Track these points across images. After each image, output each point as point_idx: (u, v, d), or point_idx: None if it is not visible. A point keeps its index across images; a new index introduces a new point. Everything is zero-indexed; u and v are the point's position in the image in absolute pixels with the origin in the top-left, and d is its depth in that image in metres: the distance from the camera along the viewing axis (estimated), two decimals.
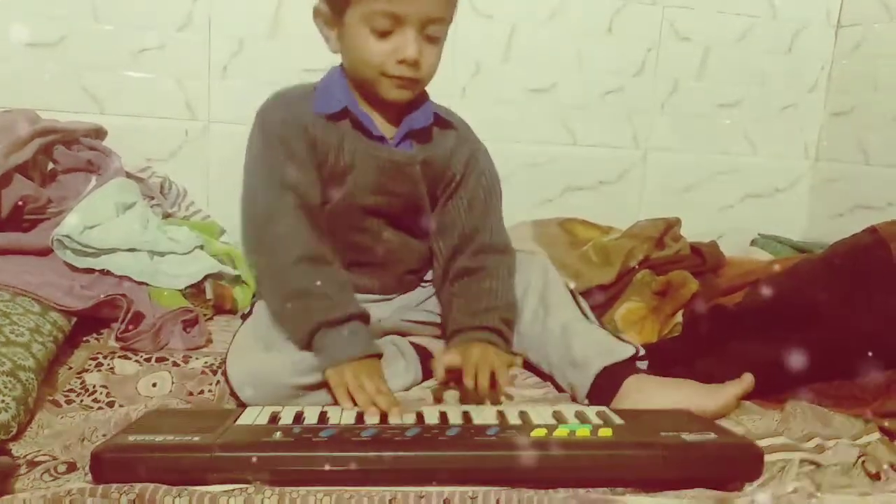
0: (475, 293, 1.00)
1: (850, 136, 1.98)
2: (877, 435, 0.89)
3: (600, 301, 1.21)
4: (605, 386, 0.94)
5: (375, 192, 1.00)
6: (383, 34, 0.91)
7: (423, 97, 1.02)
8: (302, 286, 0.91)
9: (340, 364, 0.86)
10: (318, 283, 0.91)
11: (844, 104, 2.01)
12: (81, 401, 0.90)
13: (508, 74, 1.79)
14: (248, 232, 0.97)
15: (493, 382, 0.88)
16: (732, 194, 2.05)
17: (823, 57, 2.03)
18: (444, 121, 1.04)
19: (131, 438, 0.67)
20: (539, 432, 0.72)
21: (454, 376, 0.92)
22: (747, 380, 0.93)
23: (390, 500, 0.63)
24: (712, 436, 0.73)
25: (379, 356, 0.91)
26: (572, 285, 1.18)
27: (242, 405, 0.86)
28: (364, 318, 0.92)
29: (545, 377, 1.04)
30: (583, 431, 0.73)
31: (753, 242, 2.01)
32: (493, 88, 1.78)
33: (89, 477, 0.65)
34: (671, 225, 1.38)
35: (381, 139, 0.99)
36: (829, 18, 2.01)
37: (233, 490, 0.62)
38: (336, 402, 0.85)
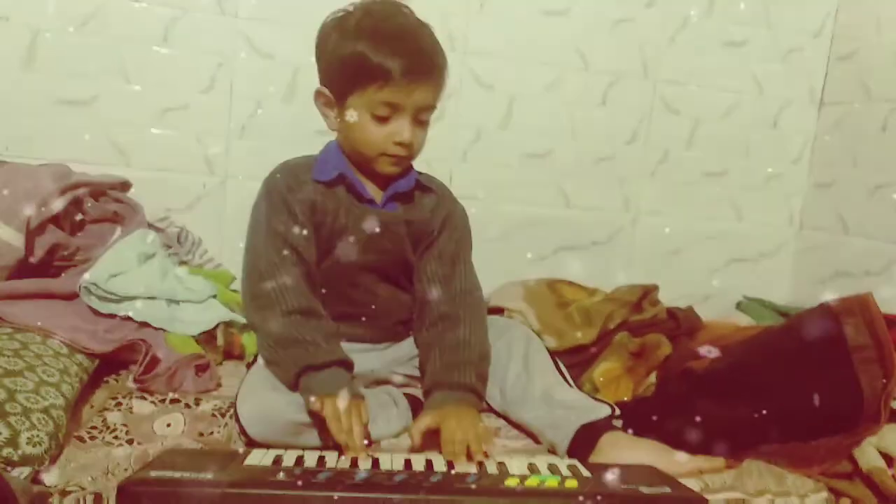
0: (450, 343, 1.09)
1: (832, 207, 2.09)
2: (825, 494, 0.98)
3: (581, 360, 1.30)
4: (583, 443, 1.03)
5: (367, 250, 1.13)
6: (382, 119, 1.06)
7: (409, 167, 1.17)
8: (292, 334, 1.02)
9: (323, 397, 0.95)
10: (307, 332, 1.02)
11: (826, 176, 2.12)
12: (103, 437, 0.99)
13: (507, 140, 1.90)
14: (248, 285, 1.08)
15: (469, 454, 0.92)
16: (718, 258, 2.14)
17: (807, 132, 2.15)
18: (424, 186, 1.17)
19: (152, 474, 0.76)
20: (512, 481, 0.81)
21: (432, 440, 0.97)
22: (717, 462, 1.01)
23: None
24: (667, 490, 0.82)
25: (361, 398, 0.98)
26: (553, 344, 1.29)
27: (251, 441, 0.96)
28: (347, 365, 1.02)
29: (525, 432, 1.13)
30: (551, 482, 0.82)
31: (738, 305, 2.11)
32: (492, 153, 1.90)
33: None
34: (649, 290, 1.48)
35: (371, 202, 1.13)
36: (812, 96, 2.13)
37: None
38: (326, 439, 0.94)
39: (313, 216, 1.10)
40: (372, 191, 1.14)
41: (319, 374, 0.99)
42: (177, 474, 0.75)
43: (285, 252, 1.06)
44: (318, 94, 1.11)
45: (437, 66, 1.08)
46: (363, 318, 1.16)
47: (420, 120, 1.08)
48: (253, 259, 1.08)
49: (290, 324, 1.02)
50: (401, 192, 1.15)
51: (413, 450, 0.98)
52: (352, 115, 1.06)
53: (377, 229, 1.12)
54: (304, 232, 1.08)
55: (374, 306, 1.17)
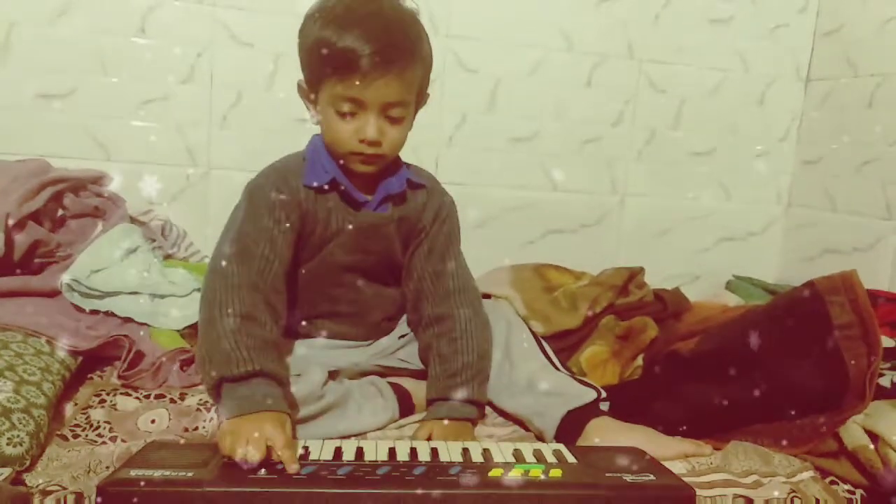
0: (446, 350, 1.08)
1: (819, 184, 2.08)
2: (811, 473, 0.98)
3: (568, 344, 1.30)
4: (569, 429, 1.03)
5: (353, 251, 1.09)
6: (346, 115, 0.99)
7: (397, 163, 1.11)
8: (224, 336, 0.91)
9: (234, 419, 0.85)
10: (239, 338, 0.91)
11: (813, 153, 2.12)
12: (87, 435, 0.98)
13: (492, 124, 1.90)
14: (204, 281, 1.01)
15: None
16: (707, 238, 2.14)
17: (794, 109, 2.14)
18: (415, 183, 1.12)
19: (132, 473, 0.75)
20: (496, 472, 0.81)
21: None
22: (703, 445, 1.01)
23: None
24: (651, 477, 0.82)
25: (284, 413, 0.89)
26: (540, 329, 1.28)
27: None
28: (273, 377, 0.91)
29: (512, 419, 1.12)
30: (535, 472, 0.81)
31: (728, 284, 2.11)
32: (478, 137, 1.89)
33: None
34: (635, 273, 1.47)
35: (364, 204, 1.08)
36: (799, 73, 2.12)
37: None
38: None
39: (302, 223, 1.05)
40: (364, 192, 1.08)
41: (235, 388, 0.89)
42: (157, 473, 0.75)
43: (248, 261, 0.98)
44: (298, 86, 1.07)
45: (402, 58, 0.97)
46: (348, 317, 1.14)
47: (391, 117, 1.00)
48: (213, 257, 1.01)
49: (225, 326, 0.92)
50: (393, 194, 1.09)
51: None
52: (322, 110, 1.02)
53: (366, 231, 1.08)
54: (280, 238, 1.01)
55: (358, 305, 1.14)
